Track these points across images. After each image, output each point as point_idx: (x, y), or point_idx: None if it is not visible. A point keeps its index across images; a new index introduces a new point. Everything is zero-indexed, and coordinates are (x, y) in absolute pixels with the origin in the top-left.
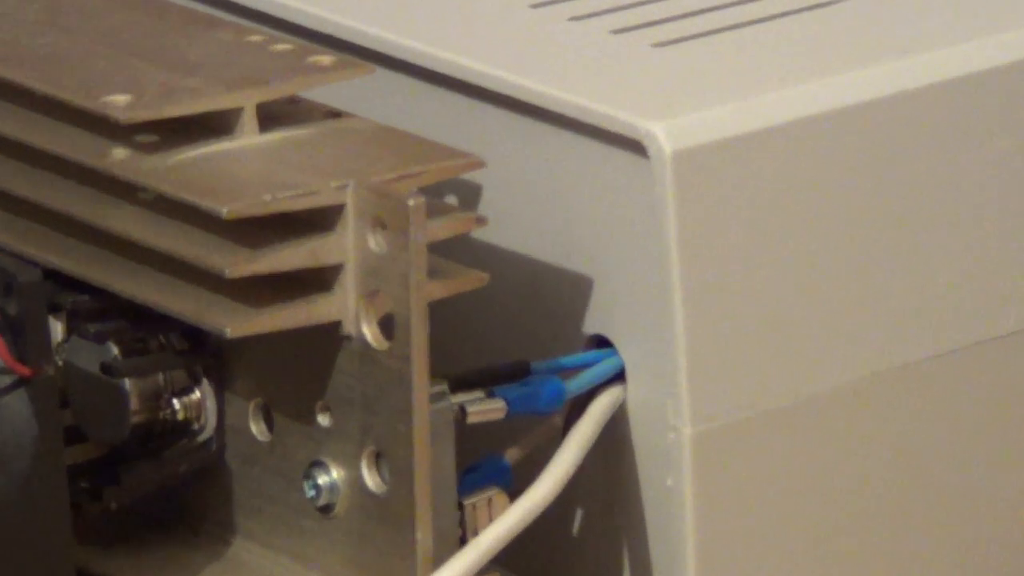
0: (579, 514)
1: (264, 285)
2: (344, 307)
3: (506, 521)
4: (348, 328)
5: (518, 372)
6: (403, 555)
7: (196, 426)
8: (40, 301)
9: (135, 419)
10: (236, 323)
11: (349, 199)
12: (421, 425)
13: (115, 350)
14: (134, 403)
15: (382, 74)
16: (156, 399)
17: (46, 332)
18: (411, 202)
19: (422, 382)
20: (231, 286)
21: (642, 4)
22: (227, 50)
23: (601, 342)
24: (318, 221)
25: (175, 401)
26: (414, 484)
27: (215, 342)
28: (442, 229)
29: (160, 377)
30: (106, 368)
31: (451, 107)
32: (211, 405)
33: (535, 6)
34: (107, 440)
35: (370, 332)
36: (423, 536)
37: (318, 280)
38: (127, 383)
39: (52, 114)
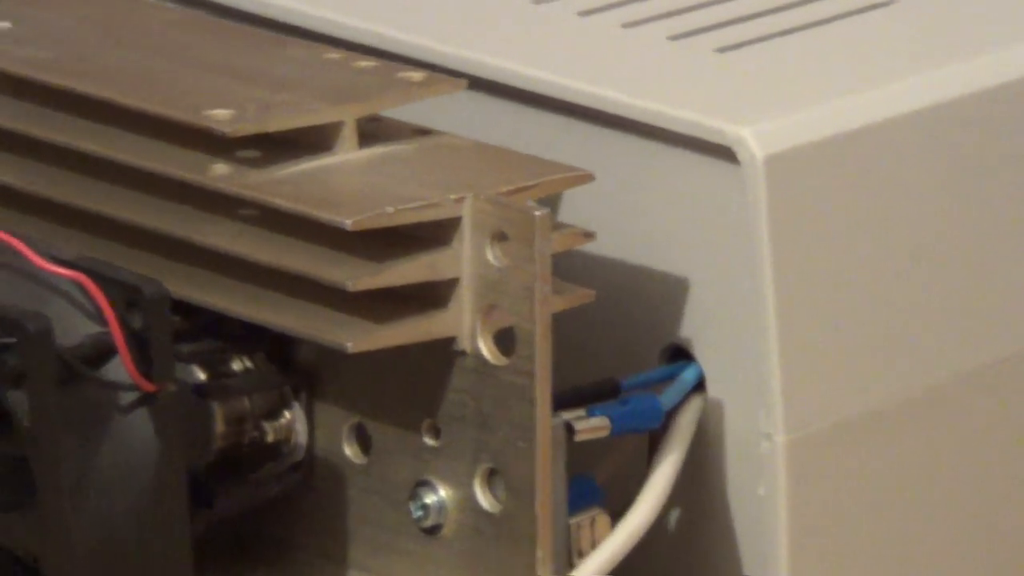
0: (665, 528)
1: (377, 301)
2: (459, 322)
3: (616, 541)
4: (463, 344)
5: (609, 390)
6: (521, 574)
7: (286, 448)
8: (166, 315)
9: (220, 443)
10: (357, 339)
11: (466, 212)
12: (544, 441)
13: (200, 372)
14: (219, 425)
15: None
16: (241, 422)
17: (171, 347)
18: (538, 214)
19: (545, 397)
20: (344, 302)
21: (691, 10)
22: (309, 67)
23: (675, 352)
24: (434, 235)
25: (265, 424)
26: (536, 501)
27: (305, 363)
28: (558, 243)
29: (246, 400)
30: (197, 389)
31: (518, 119)
32: (301, 427)
33: (583, 14)
34: (192, 462)
35: (487, 347)
36: (544, 554)
37: (431, 295)
38: (213, 405)
39: (139, 131)
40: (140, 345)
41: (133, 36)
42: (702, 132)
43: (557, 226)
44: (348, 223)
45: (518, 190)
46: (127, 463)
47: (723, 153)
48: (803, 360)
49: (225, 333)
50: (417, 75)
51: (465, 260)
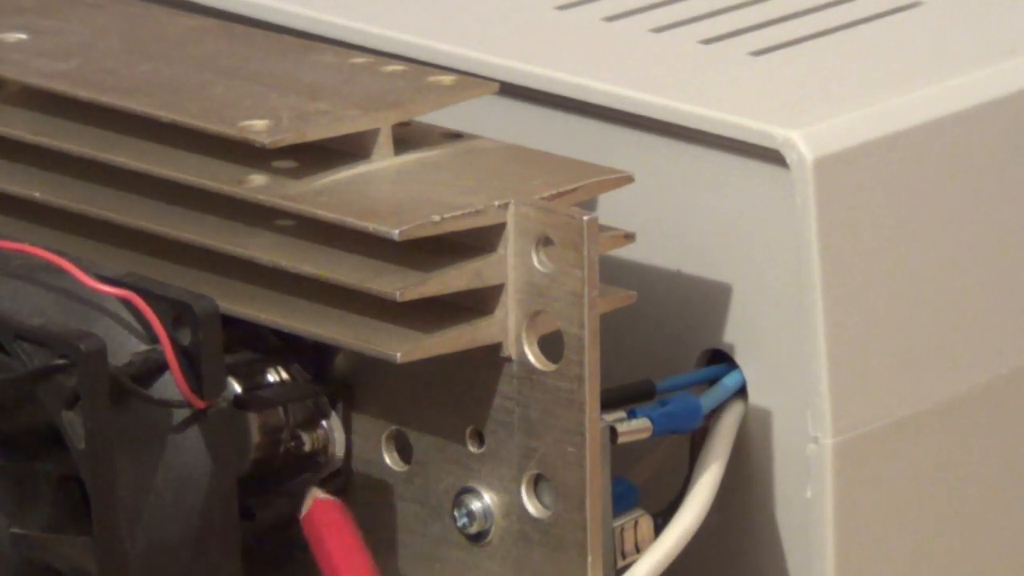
0: (708, 532)
1: (421, 309)
2: (504, 329)
3: (664, 545)
4: (508, 350)
5: (645, 392)
6: None
7: (323, 458)
8: (216, 331)
9: (256, 453)
10: (406, 349)
11: (510, 218)
12: (594, 446)
13: (235, 383)
14: (255, 436)
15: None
16: (277, 432)
17: (222, 363)
18: (586, 218)
19: (594, 402)
20: (388, 311)
21: (718, 14)
22: (338, 73)
23: (712, 356)
24: (478, 241)
25: (302, 434)
26: (587, 506)
27: (342, 372)
28: (600, 245)
29: (281, 411)
30: (233, 401)
31: (552, 124)
32: (339, 436)
33: (609, 19)
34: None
35: (533, 353)
36: (594, 559)
37: (477, 302)
38: (249, 416)
39: (171, 142)
40: (189, 361)
41: (156, 46)
42: (749, 135)
43: (602, 228)
44: (396, 233)
45: (559, 194)
46: (179, 480)
47: (770, 156)
48: (851, 362)
49: (260, 344)
50: (448, 79)
51: (510, 266)
